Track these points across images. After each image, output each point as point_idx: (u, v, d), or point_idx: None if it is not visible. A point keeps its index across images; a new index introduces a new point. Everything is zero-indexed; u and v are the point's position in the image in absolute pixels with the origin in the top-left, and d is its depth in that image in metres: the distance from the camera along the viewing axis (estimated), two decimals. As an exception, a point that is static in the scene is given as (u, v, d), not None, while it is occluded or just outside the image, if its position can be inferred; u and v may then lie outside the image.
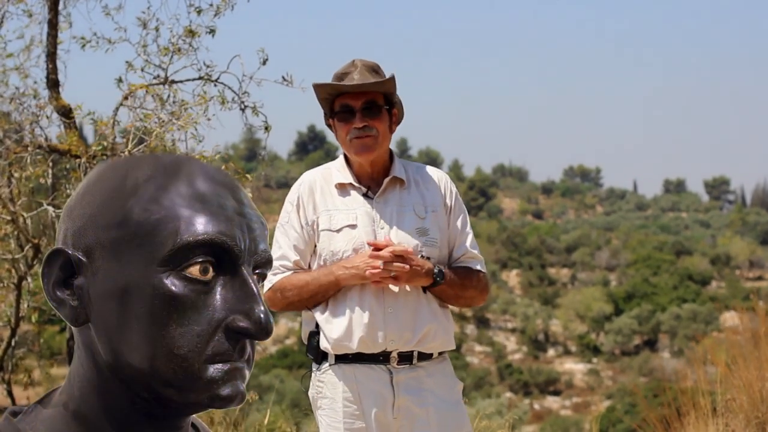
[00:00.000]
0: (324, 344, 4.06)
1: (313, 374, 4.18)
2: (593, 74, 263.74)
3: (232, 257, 1.25)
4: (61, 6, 7.45)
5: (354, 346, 3.99)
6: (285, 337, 61.50)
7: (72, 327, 1.30)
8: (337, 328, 4.01)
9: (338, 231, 4.07)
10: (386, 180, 4.12)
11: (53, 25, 7.35)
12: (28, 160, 6.93)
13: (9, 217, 6.94)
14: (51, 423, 1.28)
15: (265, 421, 7.72)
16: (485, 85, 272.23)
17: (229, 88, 7.08)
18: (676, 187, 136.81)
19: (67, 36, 7.50)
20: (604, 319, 68.77)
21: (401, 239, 4.04)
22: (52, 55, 7.33)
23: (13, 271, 7.78)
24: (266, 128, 7.09)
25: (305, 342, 4.20)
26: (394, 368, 4.02)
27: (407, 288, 4.02)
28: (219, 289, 1.25)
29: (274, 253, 4.17)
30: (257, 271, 1.32)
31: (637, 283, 73.34)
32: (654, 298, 69.50)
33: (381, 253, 3.91)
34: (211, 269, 1.24)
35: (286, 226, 4.17)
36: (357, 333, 3.98)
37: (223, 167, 6.80)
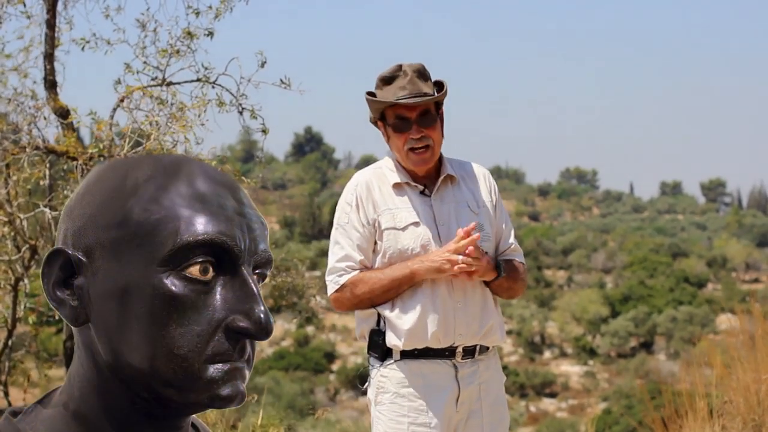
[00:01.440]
0: (392, 341, 4.08)
1: (373, 371, 4.19)
2: (589, 76, 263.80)
3: (232, 257, 1.25)
4: (60, 7, 7.46)
5: (426, 341, 4.03)
6: (281, 339, 61.41)
7: (72, 327, 1.30)
8: (409, 323, 4.04)
9: (403, 229, 4.11)
10: (441, 178, 4.17)
11: (51, 26, 7.36)
12: (26, 162, 6.92)
13: (6, 219, 6.94)
14: (51, 423, 1.27)
15: (258, 422, 7.71)
16: (481, 87, 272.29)
17: (227, 90, 7.08)
18: (672, 190, 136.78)
19: (66, 38, 7.51)
20: (601, 321, 68.69)
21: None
22: (50, 56, 7.34)
23: (10, 272, 7.77)
24: (264, 131, 7.10)
25: (364, 339, 4.20)
26: (459, 363, 4.09)
27: (474, 283, 4.10)
28: (219, 289, 1.25)
29: (337, 254, 4.19)
30: (257, 271, 1.32)
31: (633, 285, 73.26)
32: (650, 300, 69.42)
33: (463, 248, 3.96)
34: (211, 269, 1.24)
35: (346, 227, 4.17)
36: (430, 328, 4.03)
37: (219, 169, 6.81)
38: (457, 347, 4.07)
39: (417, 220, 4.11)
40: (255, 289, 1.26)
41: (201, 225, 1.23)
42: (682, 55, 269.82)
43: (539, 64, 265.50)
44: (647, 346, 67.50)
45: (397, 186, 4.18)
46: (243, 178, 7.00)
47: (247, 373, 1.27)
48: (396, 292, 4.07)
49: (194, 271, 1.23)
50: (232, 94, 7.08)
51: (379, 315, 4.13)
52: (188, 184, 1.27)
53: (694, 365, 7.74)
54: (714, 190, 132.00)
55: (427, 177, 4.20)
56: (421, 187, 4.18)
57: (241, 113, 7.09)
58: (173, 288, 1.22)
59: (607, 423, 29.65)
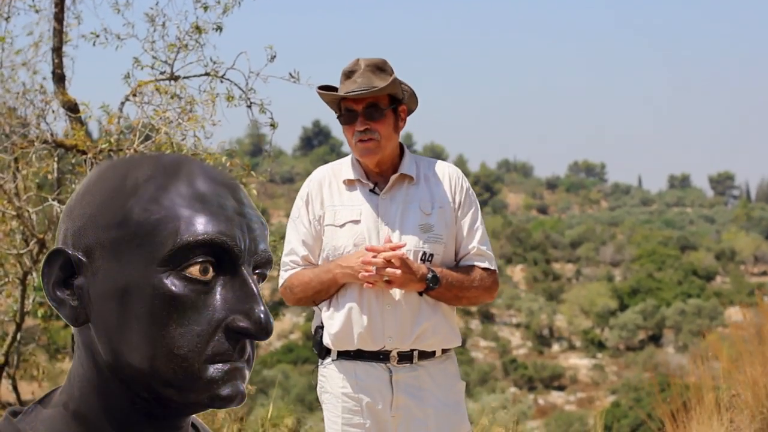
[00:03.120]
0: (326, 340, 4.09)
1: (318, 369, 4.21)
2: (598, 69, 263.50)
3: (232, 257, 1.26)
4: (69, 2, 7.46)
5: (354, 343, 4.01)
6: (289, 332, 61.51)
7: (72, 327, 1.30)
8: (337, 324, 4.03)
9: (341, 226, 4.08)
10: (393, 177, 4.12)
11: (59, 20, 7.36)
12: (34, 156, 6.93)
13: (14, 212, 6.94)
14: (51, 423, 1.28)
15: (268, 416, 7.72)
16: (490, 81, 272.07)
17: (236, 84, 7.08)
18: (680, 183, 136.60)
19: (75, 33, 7.52)
20: (609, 314, 68.68)
21: (404, 236, 4.04)
22: (58, 50, 7.34)
23: (19, 266, 7.78)
24: (272, 125, 7.09)
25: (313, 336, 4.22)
26: (394, 367, 4.02)
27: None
28: (219, 289, 1.25)
29: (285, 248, 4.22)
30: (257, 271, 1.32)
31: (641, 278, 73.25)
32: (658, 294, 69.39)
33: (374, 259, 3.90)
34: (211, 269, 1.24)
35: (296, 221, 4.20)
36: (356, 330, 4.00)
37: (228, 163, 6.81)
38: (390, 351, 4.01)
39: (357, 218, 4.07)
40: (255, 289, 1.26)
41: (201, 225, 1.24)
42: (691, 48, 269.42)
43: (548, 57, 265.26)
44: (656, 339, 67.47)
45: (348, 182, 4.16)
46: (252, 172, 6.99)
47: (247, 373, 1.27)
48: (327, 293, 4.07)
49: (194, 271, 1.23)
50: (241, 89, 7.08)
51: None
52: (188, 184, 1.27)
53: (703, 358, 7.74)
54: (722, 183, 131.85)
55: (382, 175, 4.16)
56: (371, 185, 4.14)
57: (249, 107, 7.09)
58: (173, 288, 1.22)
59: (616, 416, 29.66)
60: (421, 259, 4.03)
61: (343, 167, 4.22)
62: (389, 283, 3.92)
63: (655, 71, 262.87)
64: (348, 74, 4.08)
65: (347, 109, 4.07)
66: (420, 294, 4.02)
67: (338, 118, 4.15)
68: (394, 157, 4.17)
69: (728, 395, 7.43)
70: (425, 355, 4.06)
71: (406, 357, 4.03)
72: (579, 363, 64.29)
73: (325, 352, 4.13)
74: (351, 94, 4.01)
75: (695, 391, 7.40)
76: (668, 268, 75.69)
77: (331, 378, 4.10)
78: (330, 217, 4.11)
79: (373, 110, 4.04)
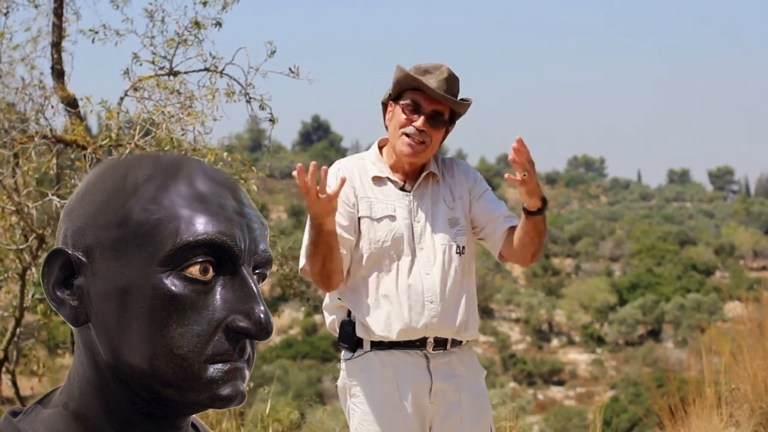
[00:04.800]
0: (360, 332, 4.06)
1: (343, 363, 4.17)
2: (597, 63, 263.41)
3: (232, 257, 1.26)
4: (68, -2, 7.47)
5: (393, 336, 4.01)
6: (289, 327, 61.46)
7: (72, 327, 1.30)
8: (377, 318, 4.02)
9: (379, 220, 4.08)
10: (422, 175, 4.16)
11: (58, 15, 7.36)
12: (33, 151, 6.92)
13: (14, 208, 6.94)
14: (51, 423, 1.28)
15: (266, 411, 7.72)
16: (488, 75, 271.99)
17: (235, 80, 7.09)
18: (680, 177, 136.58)
19: (74, 29, 7.52)
20: (608, 309, 68.69)
21: (437, 233, 4.09)
22: (57, 46, 7.35)
23: (18, 261, 7.78)
24: (272, 121, 7.10)
25: (335, 332, 4.17)
26: (430, 353, 4.05)
27: (447, 280, 4.06)
28: (219, 289, 1.25)
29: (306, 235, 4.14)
30: (257, 271, 1.32)
31: (641, 273, 73.24)
32: (658, 288, 69.39)
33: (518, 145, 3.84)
34: (211, 269, 1.24)
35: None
36: (397, 325, 4.00)
37: (229, 159, 6.81)
38: (427, 338, 4.03)
39: (393, 213, 4.08)
40: (255, 289, 1.26)
41: (201, 225, 1.24)
42: (690, 42, 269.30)
43: (546, 52, 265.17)
44: (655, 334, 67.46)
45: (376, 179, 4.16)
46: (253, 168, 6.99)
47: (247, 373, 1.27)
48: (323, 248, 3.87)
49: (194, 271, 1.23)
50: (240, 84, 7.08)
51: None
52: (188, 184, 1.27)
53: (702, 353, 7.74)
54: (722, 177, 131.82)
55: (408, 174, 4.17)
56: (401, 183, 4.16)
57: (249, 102, 7.10)
58: (173, 288, 1.22)
59: (615, 411, 29.64)
60: (456, 253, 4.10)
61: (367, 163, 4.22)
62: (522, 181, 3.89)
63: (654, 66, 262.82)
64: (425, 71, 4.07)
65: (415, 101, 4.06)
66: (533, 213, 4.00)
67: (398, 104, 4.11)
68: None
69: (728, 389, 7.44)
70: (455, 343, 4.11)
71: (440, 343, 4.06)
72: (578, 358, 64.28)
73: (356, 344, 4.10)
74: (433, 91, 3.99)
75: (695, 385, 7.40)
76: (667, 263, 75.69)
77: (364, 370, 4.08)
78: (365, 209, 4.09)
79: (439, 117, 4.07)
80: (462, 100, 4.08)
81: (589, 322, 69.76)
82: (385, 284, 4.05)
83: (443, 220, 4.12)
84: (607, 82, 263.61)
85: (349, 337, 4.10)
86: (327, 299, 4.22)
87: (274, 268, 7.52)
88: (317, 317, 62.07)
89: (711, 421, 7.17)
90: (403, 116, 4.07)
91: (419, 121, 4.03)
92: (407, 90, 4.09)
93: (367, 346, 4.07)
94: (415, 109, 4.05)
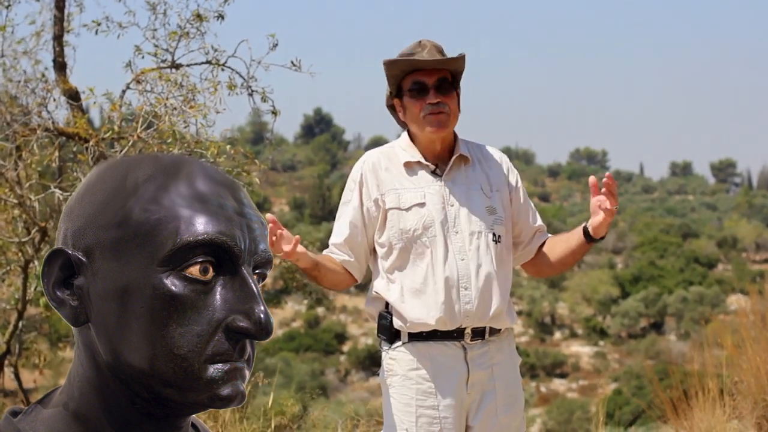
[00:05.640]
0: (398, 324, 4.06)
1: (383, 354, 4.18)
2: (600, 56, 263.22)
3: (232, 257, 1.26)
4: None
5: (432, 324, 4.00)
6: (291, 320, 61.52)
7: (72, 327, 1.30)
8: (413, 307, 4.02)
9: (408, 210, 4.06)
10: (453, 158, 4.13)
11: (60, 8, 7.36)
12: (35, 144, 6.92)
13: (16, 201, 6.94)
14: (51, 423, 1.28)
15: (269, 404, 7.72)
16: (491, 68, 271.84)
17: (237, 72, 7.08)
18: (682, 170, 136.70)
19: (77, 22, 7.52)
20: (611, 301, 68.67)
21: (473, 218, 4.06)
22: (59, 38, 7.35)
23: (20, 254, 7.79)
24: (274, 113, 7.09)
25: (373, 320, 4.20)
26: (468, 344, 4.04)
27: (482, 265, 4.04)
28: (219, 289, 1.25)
29: (334, 231, 4.23)
30: (257, 271, 1.32)
31: (643, 265, 73.22)
32: (660, 281, 69.37)
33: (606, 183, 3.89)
34: (211, 269, 1.24)
35: (348, 205, 4.18)
36: (435, 313, 3.99)
37: (231, 151, 6.81)
38: (465, 329, 4.02)
39: (423, 201, 4.06)
40: (255, 289, 1.26)
41: (201, 225, 1.23)
42: (692, 34, 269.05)
43: (549, 45, 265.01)
44: (657, 327, 67.46)
45: (407, 165, 4.14)
46: (255, 161, 6.99)
47: (248, 373, 1.27)
48: (314, 276, 4.12)
49: (194, 271, 1.23)
50: (242, 77, 7.08)
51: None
52: (188, 184, 1.27)
53: (705, 346, 7.75)
54: (724, 170, 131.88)
55: (440, 157, 4.15)
56: (432, 167, 4.13)
57: (251, 95, 7.09)
58: (173, 288, 1.22)
59: (618, 404, 29.65)
60: (492, 241, 4.08)
61: (398, 150, 4.21)
62: (611, 213, 3.92)
63: (657, 58, 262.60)
64: (409, 55, 4.07)
65: (417, 83, 4.05)
66: (590, 240, 4.07)
67: (395, 96, 4.14)
68: (451, 139, 4.19)
69: (730, 382, 7.44)
70: (494, 332, 4.10)
71: (478, 333, 4.06)
72: (581, 351, 64.29)
73: (394, 336, 4.11)
74: (430, 60, 4.01)
75: (697, 378, 7.40)
76: (670, 255, 75.68)
77: (402, 361, 4.08)
78: (393, 201, 4.09)
79: (445, 84, 4.05)
80: (455, 57, 4.06)
81: (591, 314, 69.74)
82: (420, 273, 4.04)
83: (480, 207, 4.08)
84: (610, 74, 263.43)
85: (386, 330, 4.12)
86: (369, 292, 4.24)
87: (276, 260, 7.52)
88: (320, 310, 62.21)
89: (714, 414, 7.17)
90: (415, 102, 4.06)
91: (430, 96, 4.02)
92: (404, 79, 4.09)
93: (405, 337, 4.08)
94: (420, 88, 4.04)
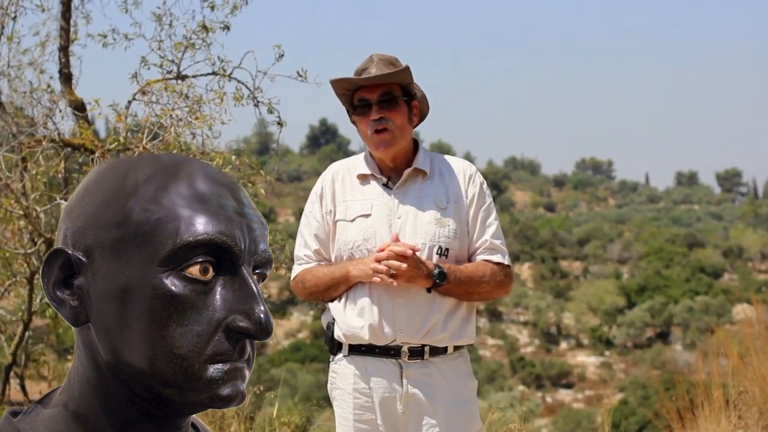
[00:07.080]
0: (338, 333, 4.07)
1: (329, 366, 4.19)
2: (605, 66, 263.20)
3: (232, 257, 1.26)
4: (77, 1, 7.48)
5: (365, 336, 3.98)
6: (297, 331, 61.49)
7: (72, 327, 1.30)
8: (349, 317, 4.02)
9: (352, 221, 4.07)
10: (406, 171, 4.11)
11: (66, 19, 7.37)
12: (41, 155, 6.93)
13: (22, 212, 6.94)
14: (51, 423, 1.28)
15: (274, 414, 7.72)
16: (497, 78, 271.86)
17: (243, 83, 7.09)
18: (688, 180, 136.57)
19: (83, 32, 7.54)
20: (617, 311, 68.64)
21: (418, 230, 4.02)
22: (65, 49, 7.36)
23: (26, 265, 7.79)
24: (280, 124, 7.11)
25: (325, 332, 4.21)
26: (405, 363, 3.99)
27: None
28: (219, 289, 1.25)
29: (298, 241, 4.23)
30: (257, 271, 1.32)
31: (649, 275, 73.20)
32: (666, 291, 69.34)
33: (380, 254, 3.90)
34: (211, 269, 1.24)
35: (309, 216, 4.20)
36: (367, 322, 3.97)
37: (237, 162, 6.82)
38: (401, 347, 3.98)
39: (368, 212, 4.06)
40: (255, 289, 1.26)
41: (201, 225, 1.23)
42: (698, 45, 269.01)
43: (554, 54, 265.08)
44: (663, 337, 67.41)
45: (361, 177, 4.15)
46: (261, 171, 6.99)
47: (247, 373, 1.27)
48: (337, 290, 4.06)
49: (194, 271, 1.23)
50: (248, 88, 7.09)
51: None
52: (188, 184, 1.27)
53: (711, 355, 7.73)
54: (730, 180, 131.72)
55: (396, 170, 4.15)
56: (385, 179, 4.12)
57: (257, 106, 7.10)
58: (173, 288, 1.22)
59: (624, 414, 29.58)
60: (436, 254, 4.02)
61: (357, 162, 4.21)
62: (395, 277, 3.87)
63: (662, 68, 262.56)
64: (360, 71, 4.08)
65: (361, 100, 4.05)
66: (428, 290, 3.99)
67: (351, 113, 4.14)
68: (408, 151, 4.16)
69: (736, 392, 7.43)
70: (436, 351, 4.02)
71: (417, 353, 4.00)
72: (587, 361, 64.24)
73: (336, 348, 4.11)
74: (363, 78, 4.00)
75: (703, 388, 7.39)
76: (676, 265, 75.66)
77: (342, 374, 4.09)
78: (341, 212, 4.10)
79: (388, 99, 4.02)
80: (397, 71, 4.01)
81: (597, 324, 69.72)
82: (359, 286, 4.03)
83: (429, 219, 4.04)
84: (615, 84, 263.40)
85: (329, 340, 4.14)
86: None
87: (283, 271, 7.53)
88: (325, 321, 62.10)
89: (719, 424, 7.16)
90: (361, 119, 4.07)
91: (372, 113, 4.02)
92: (353, 95, 4.10)
93: (345, 350, 4.09)
94: (365, 105, 4.05)
